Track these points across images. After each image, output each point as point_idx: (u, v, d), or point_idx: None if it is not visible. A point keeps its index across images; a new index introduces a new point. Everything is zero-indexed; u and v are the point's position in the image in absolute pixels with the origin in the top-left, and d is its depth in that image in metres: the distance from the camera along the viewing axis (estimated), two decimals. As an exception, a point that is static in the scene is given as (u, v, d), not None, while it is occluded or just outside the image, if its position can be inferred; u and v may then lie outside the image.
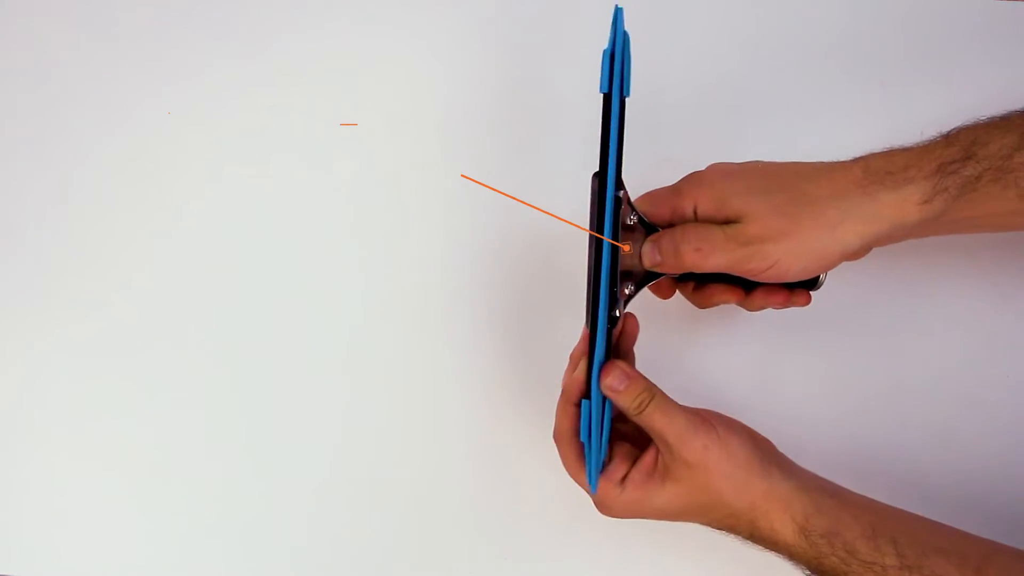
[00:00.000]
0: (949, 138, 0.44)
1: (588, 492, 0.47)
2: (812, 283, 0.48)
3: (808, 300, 0.49)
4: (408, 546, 0.58)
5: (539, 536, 0.57)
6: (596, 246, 0.45)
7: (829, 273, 0.48)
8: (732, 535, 0.46)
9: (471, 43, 0.62)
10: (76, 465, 0.60)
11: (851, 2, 0.61)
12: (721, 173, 0.46)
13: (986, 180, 0.43)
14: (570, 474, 0.48)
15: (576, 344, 0.49)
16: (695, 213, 0.46)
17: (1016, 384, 0.56)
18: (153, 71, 0.64)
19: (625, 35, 0.45)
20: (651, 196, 0.47)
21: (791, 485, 0.45)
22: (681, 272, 0.46)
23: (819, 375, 0.57)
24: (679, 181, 0.47)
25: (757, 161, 0.46)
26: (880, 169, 0.44)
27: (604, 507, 0.47)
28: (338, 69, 0.62)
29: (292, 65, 0.63)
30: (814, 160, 0.46)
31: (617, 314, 0.46)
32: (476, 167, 0.60)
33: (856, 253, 0.45)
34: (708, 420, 0.46)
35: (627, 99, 0.45)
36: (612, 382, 0.45)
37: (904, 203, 0.43)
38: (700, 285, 0.49)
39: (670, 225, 0.46)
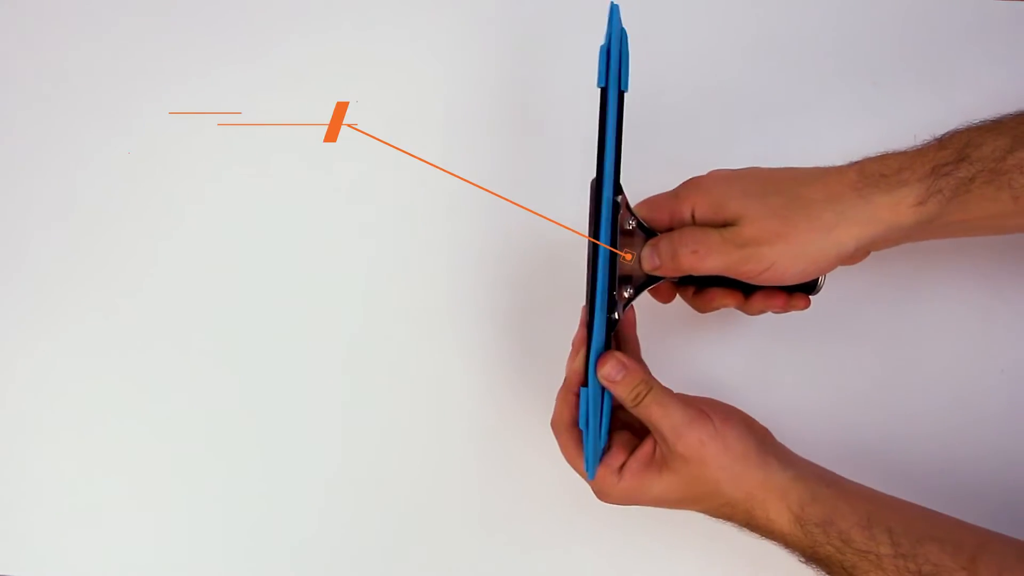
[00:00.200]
0: (942, 141, 0.44)
1: (586, 479, 0.48)
2: (811, 287, 0.49)
3: (807, 304, 0.49)
4: (414, 540, 0.59)
5: (544, 527, 0.58)
6: (593, 251, 0.45)
7: (827, 276, 0.48)
8: (729, 523, 0.47)
9: (472, 44, 0.62)
10: (83, 466, 0.61)
11: (845, 5, 0.60)
12: (719, 178, 0.47)
13: (979, 182, 0.43)
14: (568, 461, 0.49)
15: (577, 330, 0.49)
16: (693, 217, 0.46)
17: (1011, 379, 0.57)
18: (155, 74, 0.64)
19: (622, 31, 0.45)
20: (650, 202, 0.48)
21: (787, 475, 0.46)
22: (679, 275, 0.47)
23: (817, 370, 0.58)
24: (678, 187, 0.48)
25: (755, 167, 0.47)
26: (874, 172, 0.44)
27: (602, 494, 0.48)
28: (339, 72, 0.62)
29: (293, 67, 0.63)
30: (809, 163, 0.46)
31: (616, 316, 0.47)
32: (477, 168, 0.60)
33: (852, 256, 0.45)
34: (705, 412, 0.46)
35: (627, 98, 0.45)
36: (609, 371, 0.46)
37: (898, 205, 0.43)
38: (700, 289, 0.50)
39: (669, 230, 0.47)
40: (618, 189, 0.46)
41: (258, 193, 0.62)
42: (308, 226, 0.62)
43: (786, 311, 0.49)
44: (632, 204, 0.47)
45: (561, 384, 0.49)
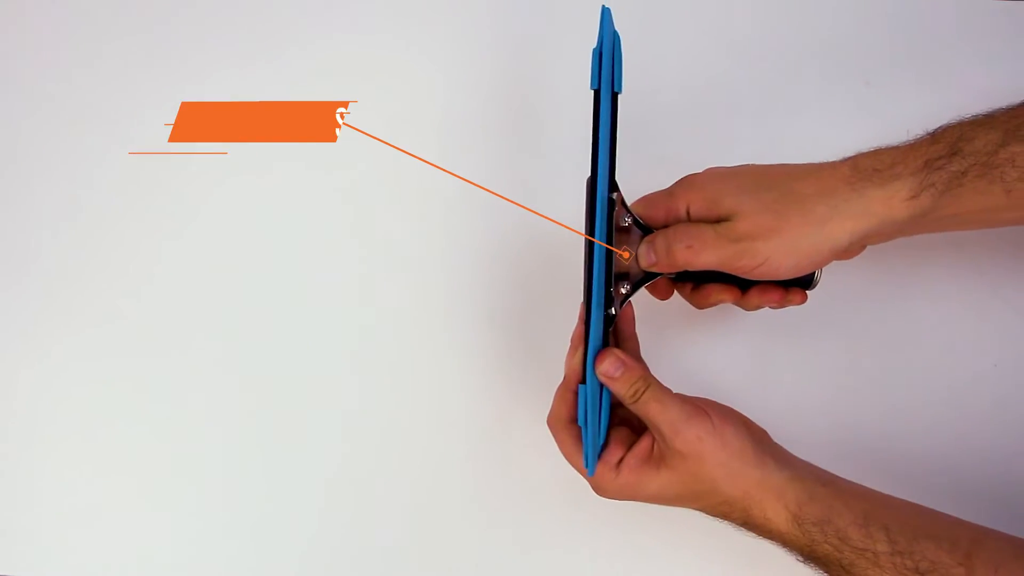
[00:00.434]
0: (935, 136, 0.44)
1: (584, 475, 0.48)
2: (807, 282, 0.49)
3: (804, 299, 0.49)
4: (414, 540, 0.59)
5: (544, 526, 0.58)
6: (589, 248, 0.46)
7: (823, 272, 0.48)
8: (726, 522, 0.47)
9: (467, 49, 0.63)
10: (85, 467, 0.61)
11: (838, 4, 0.61)
12: (713, 175, 0.47)
13: (972, 176, 0.43)
14: (566, 457, 0.49)
15: (575, 326, 0.50)
16: (688, 214, 0.47)
17: (1004, 373, 0.57)
18: (157, 79, 0.65)
19: (615, 34, 0.46)
20: (646, 200, 0.48)
21: (785, 474, 0.46)
22: (675, 271, 0.47)
23: (813, 367, 0.58)
24: (673, 184, 0.48)
25: (749, 164, 0.47)
26: (868, 167, 0.44)
27: (599, 489, 0.48)
28: (339, 75, 0.63)
29: (294, 74, 0.64)
30: (803, 159, 0.46)
31: (613, 312, 0.47)
32: (475, 169, 0.61)
33: (847, 251, 0.46)
34: (703, 410, 0.46)
35: (620, 98, 0.46)
36: (607, 368, 0.47)
37: (891, 199, 0.44)
38: (697, 285, 0.50)
39: (666, 227, 0.47)
40: (613, 187, 0.46)
41: (258, 195, 0.63)
42: (308, 227, 0.62)
43: (783, 306, 0.49)
44: (629, 203, 0.48)
45: (560, 382, 0.50)
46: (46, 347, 0.63)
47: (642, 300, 0.50)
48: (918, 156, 0.44)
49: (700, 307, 0.51)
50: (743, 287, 0.49)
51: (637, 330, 0.51)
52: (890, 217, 0.44)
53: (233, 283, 0.62)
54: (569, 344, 0.50)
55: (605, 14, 0.46)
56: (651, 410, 0.46)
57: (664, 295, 0.52)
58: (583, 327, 0.47)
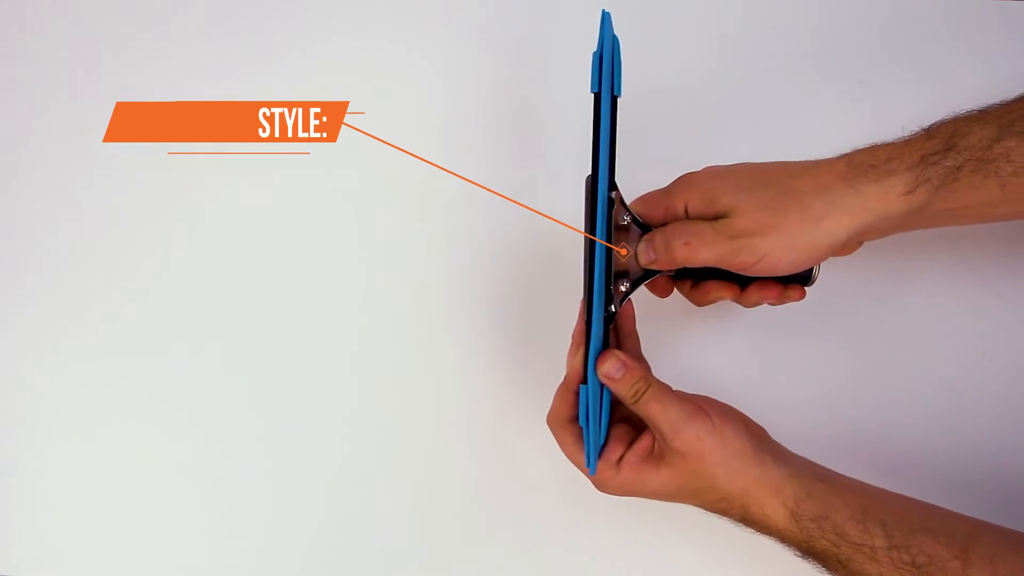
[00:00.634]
0: (930, 131, 0.45)
1: (585, 473, 0.49)
2: (806, 278, 0.49)
3: (802, 295, 0.50)
4: (414, 540, 0.59)
5: (544, 525, 0.58)
6: (589, 246, 0.46)
7: (821, 269, 0.49)
8: (725, 518, 0.48)
9: (467, 49, 0.63)
10: (87, 468, 0.61)
11: (832, 3, 0.61)
12: (711, 174, 0.48)
13: (967, 171, 0.43)
14: (566, 456, 0.49)
15: (576, 324, 0.50)
16: (686, 212, 0.47)
17: (998, 367, 0.57)
18: (157, 80, 0.65)
19: (615, 38, 0.46)
20: (645, 199, 0.49)
21: (783, 472, 0.46)
22: (674, 268, 0.47)
23: (811, 363, 0.58)
24: (671, 183, 0.48)
25: (746, 162, 0.48)
26: (863, 163, 0.45)
27: (600, 485, 0.49)
28: (339, 77, 0.63)
29: (296, 76, 0.64)
30: (799, 157, 0.47)
31: (613, 310, 0.47)
32: (475, 169, 0.61)
33: (844, 246, 0.46)
34: (703, 409, 0.47)
35: (620, 101, 0.46)
36: (608, 369, 0.47)
37: (887, 194, 0.44)
38: (697, 283, 0.50)
39: (664, 225, 0.48)
40: (612, 185, 0.47)
41: (259, 196, 0.63)
42: (308, 227, 0.63)
43: (782, 302, 0.50)
44: (627, 201, 0.48)
45: (561, 381, 0.50)
46: (46, 347, 0.63)
47: (642, 298, 0.50)
48: (913, 152, 0.44)
49: (699, 304, 0.51)
50: (742, 284, 0.49)
51: (637, 327, 0.51)
52: (886, 212, 0.44)
53: (234, 283, 0.62)
54: (570, 343, 0.50)
55: (605, 18, 0.47)
56: (651, 410, 0.46)
57: (664, 293, 0.52)
58: (583, 325, 0.48)
